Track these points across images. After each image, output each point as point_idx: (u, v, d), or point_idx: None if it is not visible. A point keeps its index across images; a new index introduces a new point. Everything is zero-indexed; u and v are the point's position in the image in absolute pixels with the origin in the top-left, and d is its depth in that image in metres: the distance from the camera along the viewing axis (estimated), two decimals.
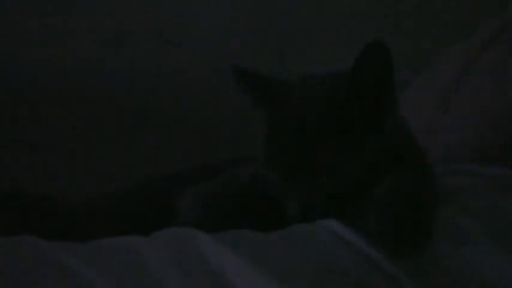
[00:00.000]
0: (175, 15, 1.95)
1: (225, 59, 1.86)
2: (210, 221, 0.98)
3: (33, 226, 1.02)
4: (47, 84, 1.92)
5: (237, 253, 0.84)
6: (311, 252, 0.85)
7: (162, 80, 1.95)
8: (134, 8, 1.94)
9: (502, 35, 1.33)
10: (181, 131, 1.92)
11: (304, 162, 0.92)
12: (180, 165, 1.20)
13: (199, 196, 1.04)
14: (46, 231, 0.92)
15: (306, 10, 1.92)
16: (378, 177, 0.92)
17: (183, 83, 1.94)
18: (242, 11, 1.94)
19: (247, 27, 1.93)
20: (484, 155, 1.20)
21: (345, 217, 0.90)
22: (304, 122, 0.93)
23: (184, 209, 1.04)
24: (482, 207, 0.94)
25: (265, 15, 1.94)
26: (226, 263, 0.83)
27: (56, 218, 1.10)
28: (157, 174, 1.19)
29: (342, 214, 0.91)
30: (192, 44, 1.93)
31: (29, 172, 1.80)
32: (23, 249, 0.85)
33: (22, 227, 0.97)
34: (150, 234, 0.91)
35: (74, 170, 1.86)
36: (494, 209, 0.95)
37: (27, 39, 1.91)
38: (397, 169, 0.93)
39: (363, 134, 0.93)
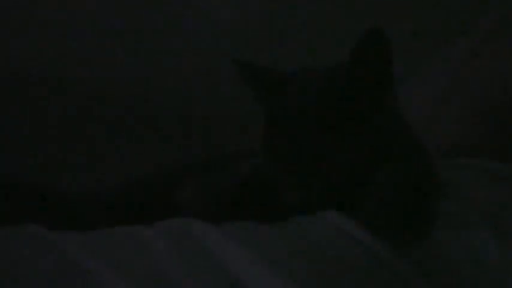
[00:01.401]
0: (175, 13, 1.95)
1: (225, 55, 1.88)
2: (211, 213, 0.98)
3: (34, 217, 1.02)
4: (47, 81, 1.92)
5: (239, 243, 0.84)
6: (312, 243, 0.85)
7: (161, 77, 1.95)
8: (133, 5, 1.94)
9: (501, 30, 1.33)
10: (182, 127, 1.92)
11: (303, 151, 0.93)
12: (179, 160, 1.20)
13: (200, 188, 1.04)
14: (46, 222, 0.93)
15: (306, 7, 1.92)
16: (377, 167, 0.92)
17: (183, 79, 1.94)
18: (243, 8, 1.94)
19: (247, 25, 1.94)
20: (482, 148, 1.20)
21: (344, 206, 0.90)
22: (303, 112, 0.94)
23: (184, 202, 1.04)
24: (482, 198, 0.95)
25: (265, 13, 1.94)
26: (228, 252, 0.83)
27: (56, 209, 1.11)
28: (158, 167, 1.19)
29: (341, 203, 0.91)
30: (192, 41, 1.94)
31: (29, 168, 1.80)
32: (26, 238, 0.86)
33: (23, 217, 0.97)
34: (150, 226, 0.91)
35: (75, 165, 1.86)
36: (494, 200, 0.95)
37: (26, 37, 1.92)
38: (396, 160, 0.93)
39: (362, 123, 0.93)
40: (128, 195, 1.12)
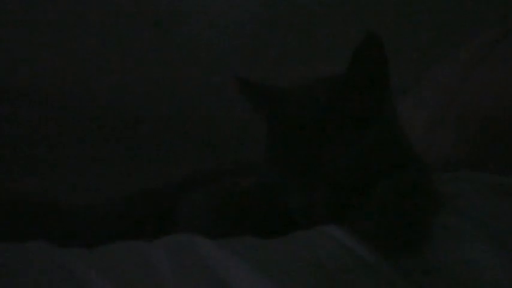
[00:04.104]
0: (175, 14, 1.95)
1: (225, 60, 1.88)
2: (212, 228, 0.98)
3: (37, 233, 1.03)
4: (47, 86, 1.92)
5: (239, 259, 0.85)
6: (312, 258, 0.86)
7: (161, 82, 1.95)
8: (133, 7, 1.94)
9: (500, 42, 1.33)
10: (182, 135, 1.92)
11: (304, 157, 0.94)
12: (179, 169, 1.21)
13: (201, 203, 1.05)
14: (48, 237, 0.93)
15: (306, 13, 1.92)
16: (375, 175, 0.93)
17: (183, 85, 1.94)
18: (243, 11, 1.94)
19: (247, 28, 1.94)
20: (479, 159, 1.20)
21: (343, 212, 0.91)
22: (304, 120, 0.95)
23: (185, 216, 1.05)
24: (481, 210, 0.95)
25: (265, 17, 1.94)
26: (228, 268, 0.84)
27: (58, 224, 1.11)
28: (158, 181, 1.19)
29: (342, 209, 0.92)
30: (192, 44, 1.94)
31: (30, 178, 1.80)
32: (33, 255, 0.86)
33: (26, 233, 0.98)
34: (151, 240, 0.91)
35: (75, 175, 1.86)
36: (493, 212, 0.95)
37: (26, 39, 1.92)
38: (395, 167, 0.94)
39: (361, 130, 0.94)
40: (128, 209, 1.13)
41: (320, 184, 0.94)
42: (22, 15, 1.88)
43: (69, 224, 1.11)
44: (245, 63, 1.79)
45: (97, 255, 0.88)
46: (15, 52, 1.89)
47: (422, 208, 0.89)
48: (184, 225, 1.02)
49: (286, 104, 0.99)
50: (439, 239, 0.88)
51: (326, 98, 0.96)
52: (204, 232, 0.92)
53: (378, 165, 0.95)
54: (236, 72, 1.06)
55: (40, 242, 0.89)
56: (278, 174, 0.96)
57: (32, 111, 1.88)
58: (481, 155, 1.21)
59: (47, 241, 0.90)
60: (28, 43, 1.89)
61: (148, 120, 1.93)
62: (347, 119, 0.94)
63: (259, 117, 1.02)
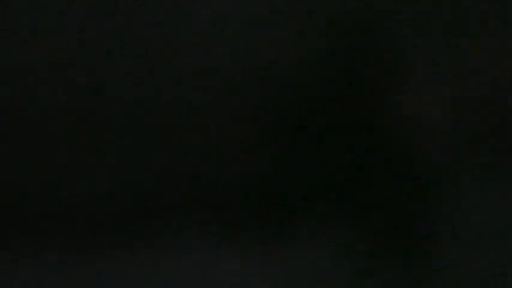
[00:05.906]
0: (176, 15, 1.96)
1: (225, 59, 1.88)
2: (217, 224, 0.99)
3: (36, 232, 1.03)
4: (46, 84, 1.93)
5: (239, 258, 0.85)
6: (311, 260, 0.87)
7: (161, 80, 1.96)
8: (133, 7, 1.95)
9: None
10: (181, 131, 1.92)
11: (304, 154, 0.94)
12: (178, 168, 1.21)
13: (206, 200, 1.06)
14: (48, 237, 0.94)
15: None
16: (374, 174, 0.94)
17: (182, 83, 1.95)
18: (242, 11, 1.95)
19: (246, 29, 1.94)
20: (479, 147, 1.21)
21: (343, 211, 0.92)
22: (305, 111, 0.96)
23: (189, 213, 1.05)
24: (482, 207, 0.95)
25: (264, 17, 1.95)
26: (229, 268, 0.84)
27: (57, 224, 1.12)
28: (163, 174, 1.20)
29: (341, 207, 0.92)
30: (191, 44, 1.94)
31: (29, 175, 1.81)
32: (29, 256, 0.87)
33: (25, 233, 0.99)
34: (151, 239, 0.92)
35: (75, 169, 1.87)
36: (494, 209, 0.96)
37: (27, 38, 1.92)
38: (394, 168, 0.95)
39: (362, 121, 0.95)
40: (127, 207, 1.13)
41: (320, 182, 0.95)
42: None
43: (68, 223, 1.12)
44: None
45: (99, 257, 0.88)
46: (14, 51, 1.90)
47: (421, 209, 0.90)
48: (188, 221, 1.02)
49: (283, 104, 1.00)
50: (438, 239, 0.89)
51: (323, 98, 0.97)
52: (206, 230, 0.93)
53: (378, 164, 0.96)
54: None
55: (37, 243, 0.90)
56: (278, 171, 0.97)
57: (31, 110, 1.89)
58: (484, 148, 1.22)
59: (45, 241, 0.90)
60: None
61: (149, 117, 1.93)
62: (345, 116, 0.95)
63: (256, 116, 1.04)
